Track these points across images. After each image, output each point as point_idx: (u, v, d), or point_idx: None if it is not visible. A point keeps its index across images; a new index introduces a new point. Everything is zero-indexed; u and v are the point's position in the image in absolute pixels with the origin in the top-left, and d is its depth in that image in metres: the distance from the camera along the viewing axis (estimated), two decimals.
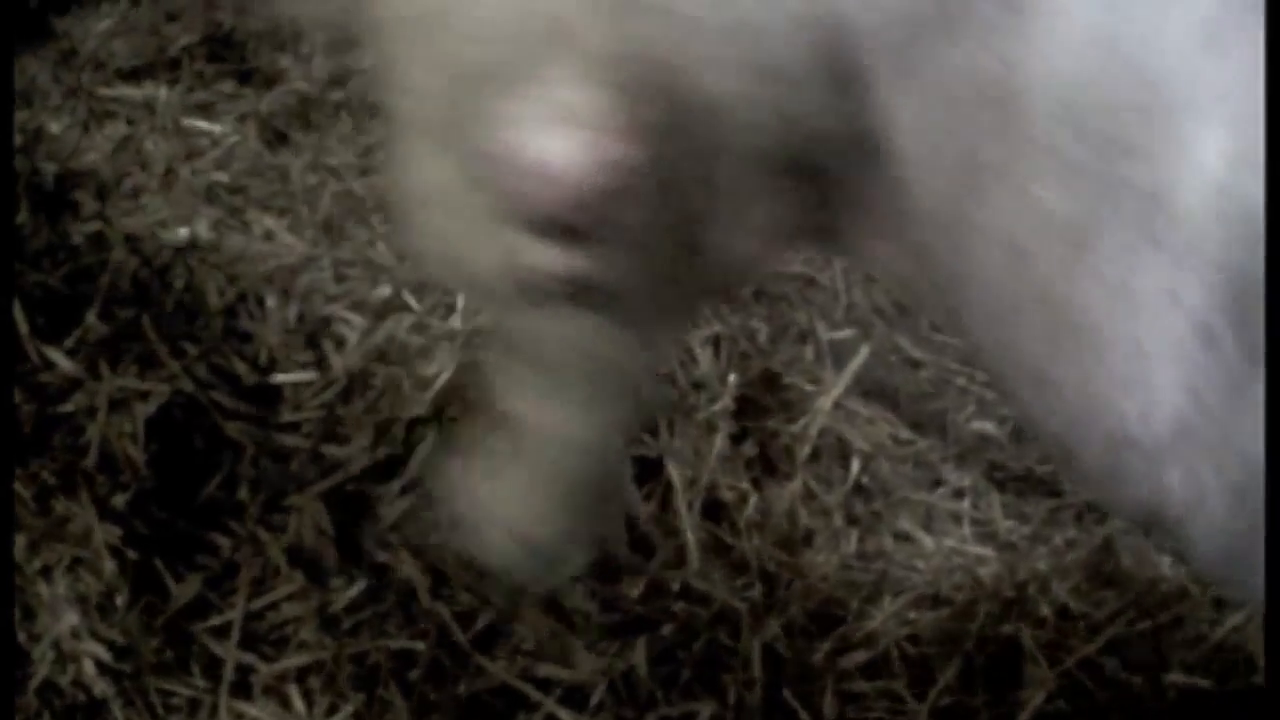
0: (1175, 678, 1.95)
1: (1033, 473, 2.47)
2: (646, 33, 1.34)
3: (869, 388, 2.53)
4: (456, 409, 2.15)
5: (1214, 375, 1.18)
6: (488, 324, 2.24)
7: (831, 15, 1.30)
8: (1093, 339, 1.23)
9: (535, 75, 1.36)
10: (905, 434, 2.47)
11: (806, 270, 2.75)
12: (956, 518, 2.34)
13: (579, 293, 1.45)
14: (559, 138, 1.36)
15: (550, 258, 1.42)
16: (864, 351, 2.54)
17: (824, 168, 1.39)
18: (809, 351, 2.58)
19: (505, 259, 1.44)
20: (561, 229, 1.40)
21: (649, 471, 2.10)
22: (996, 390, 1.66)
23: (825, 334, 2.64)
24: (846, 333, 2.64)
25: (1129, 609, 2.05)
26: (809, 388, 2.45)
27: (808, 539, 2.14)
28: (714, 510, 2.13)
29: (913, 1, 1.30)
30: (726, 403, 2.32)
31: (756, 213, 1.48)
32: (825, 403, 2.40)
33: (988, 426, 2.56)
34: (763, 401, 2.41)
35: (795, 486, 2.22)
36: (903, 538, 2.21)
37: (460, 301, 2.33)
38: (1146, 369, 1.20)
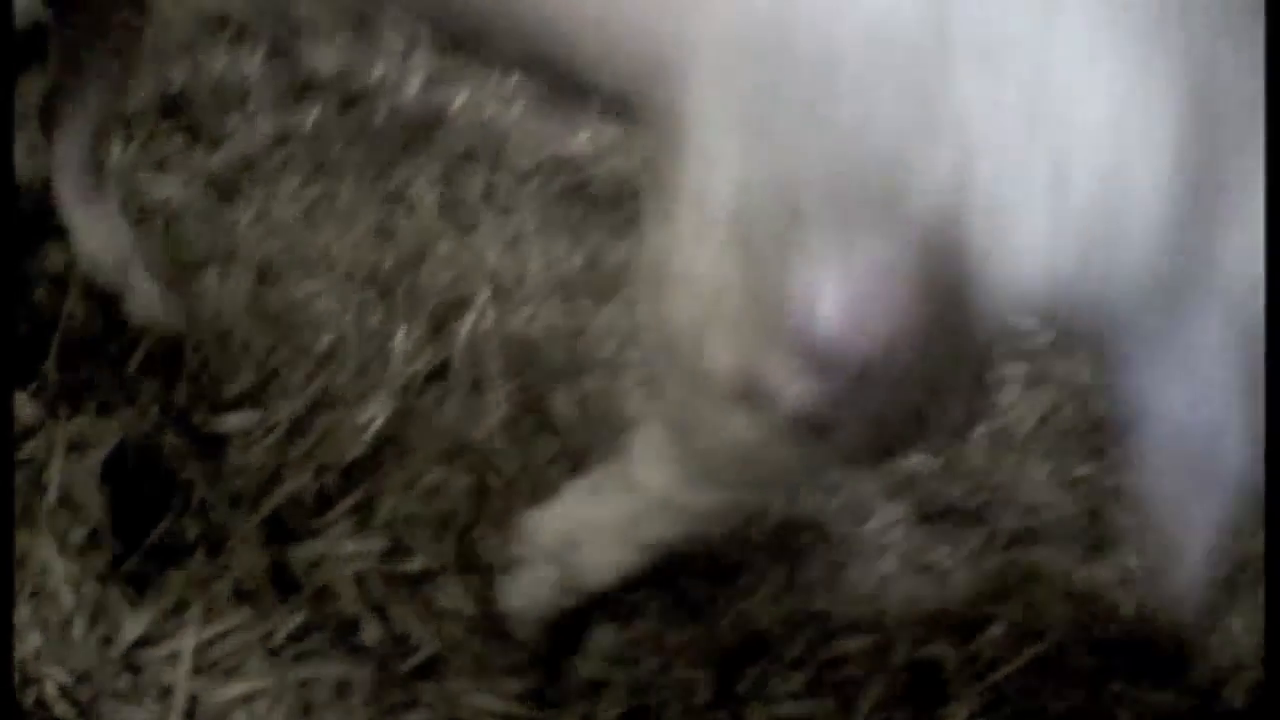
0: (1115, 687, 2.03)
1: (964, 503, 2.44)
2: (946, 201, 1.42)
3: None
4: (392, 452, 2.17)
5: None
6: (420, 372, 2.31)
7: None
8: None
9: (847, 223, 1.43)
10: (835, 475, 2.43)
11: None
12: (886, 548, 2.31)
13: (810, 419, 1.52)
14: (863, 289, 1.43)
15: (805, 385, 1.48)
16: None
17: None
18: None
19: (747, 367, 1.51)
20: (823, 365, 1.47)
21: None
22: None
23: None
24: None
25: (1056, 628, 2.10)
26: None
27: (737, 569, 2.15)
28: None
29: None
30: None
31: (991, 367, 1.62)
32: None
33: (919, 461, 2.52)
34: None
35: None
36: (834, 566, 2.22)
37: (397, 346, 2.36)
38: None
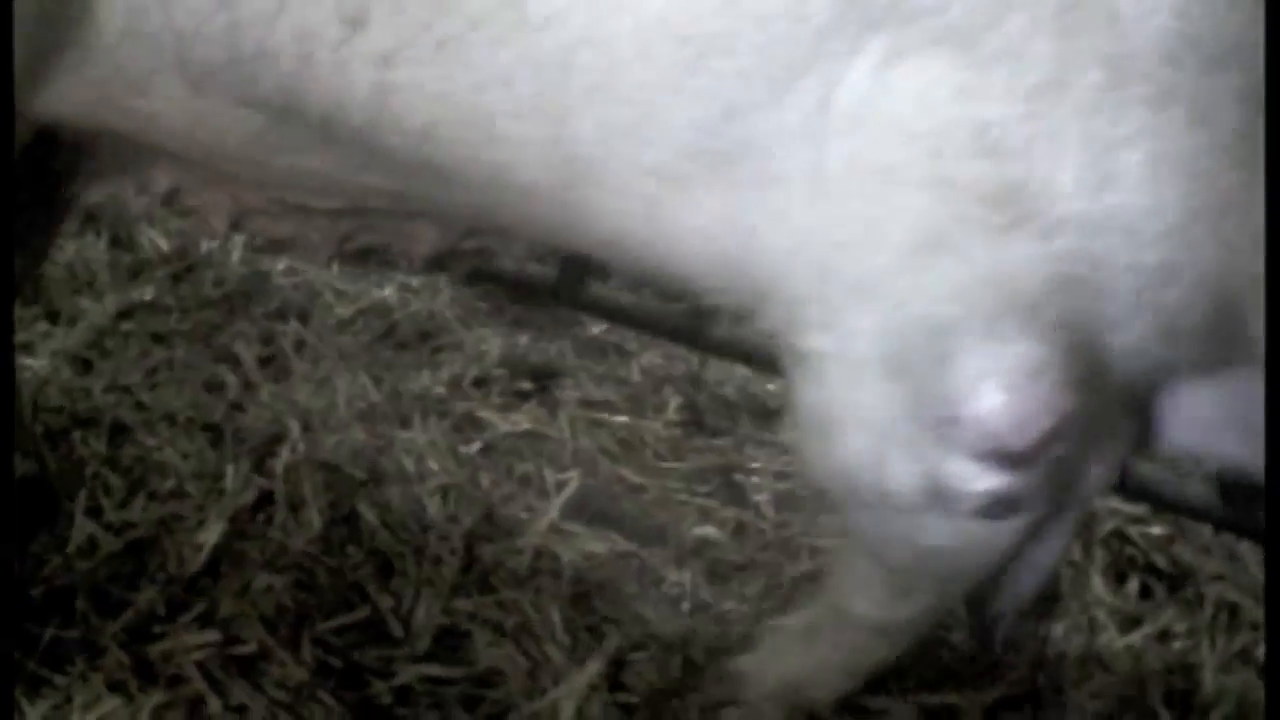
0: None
1: (753, 561, 2.65)
2: (1081, 303, 1.58)
3: (591, 515, 2.75)
4: (228, 565, 2.43)
5: None
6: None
7: (1223, 277, 1.59)
8: None
9: (991, 332, 1.57)
10: (625, 546, 2.66)
11: (536, 427, 2.99)
12: (676, 601, 2.52)
13: (994, 506, 1.67)
14: (1018, 390, 1.58)
15: (985, 480, 1.64)
16: (575, 481, 2.78)
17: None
18: (531, 491, 2.78)
19: (932, 476, 1.65)
20: (1001, 459, 1.63)
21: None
22: None
23: (551, 477, 2.85)
24: (570, 474, 2.86)
25: None
26: (524, 516, 2.67)
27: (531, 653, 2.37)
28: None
29: None
30: (455, 541, 2.56)
31: (1123, 438, 1.79)
32: (541, 525, 2.65)
33: (709, 531, 2.74)
34: (483, 533, 2.61)
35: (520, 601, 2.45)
36: (630, 623, 2.43)
37: (229, 484, 2.60)
38: None
